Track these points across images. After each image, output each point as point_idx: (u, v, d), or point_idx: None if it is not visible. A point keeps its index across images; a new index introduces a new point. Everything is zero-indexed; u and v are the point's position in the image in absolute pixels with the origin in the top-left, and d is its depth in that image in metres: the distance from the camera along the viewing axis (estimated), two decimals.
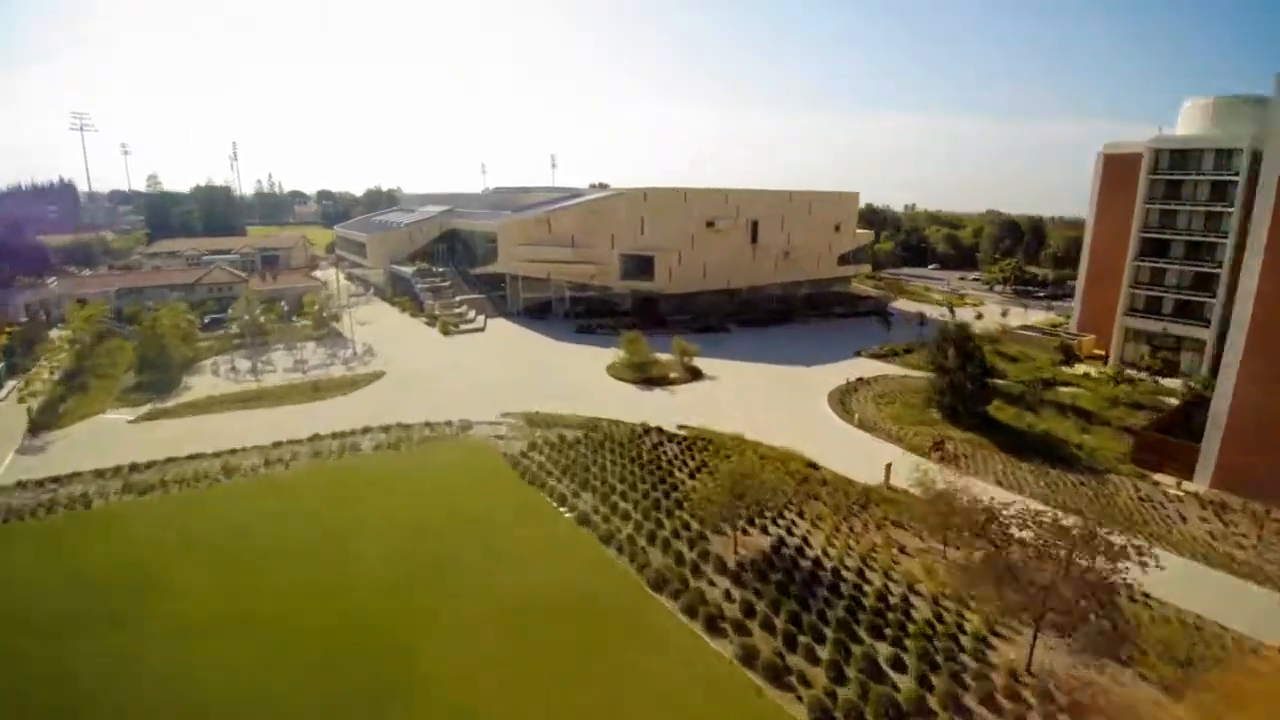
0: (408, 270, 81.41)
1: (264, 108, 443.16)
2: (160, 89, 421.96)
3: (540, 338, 65.22)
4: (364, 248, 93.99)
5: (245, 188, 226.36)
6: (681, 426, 41.06)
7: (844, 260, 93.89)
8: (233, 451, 35.05)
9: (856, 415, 45.60)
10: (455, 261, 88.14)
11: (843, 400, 48.91)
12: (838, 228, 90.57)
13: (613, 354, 55.22)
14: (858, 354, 61.82)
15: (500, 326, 69.55)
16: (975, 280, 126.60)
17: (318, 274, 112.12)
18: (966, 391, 45.43)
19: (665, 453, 36.41)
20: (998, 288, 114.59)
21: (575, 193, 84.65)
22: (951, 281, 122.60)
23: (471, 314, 71.25)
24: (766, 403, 47.61)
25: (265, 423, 40.20)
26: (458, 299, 75.08)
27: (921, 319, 77.73)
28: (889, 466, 35.95)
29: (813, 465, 36.29)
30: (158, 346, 50.27)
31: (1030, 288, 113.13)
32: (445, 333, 65.77)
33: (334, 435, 37.51)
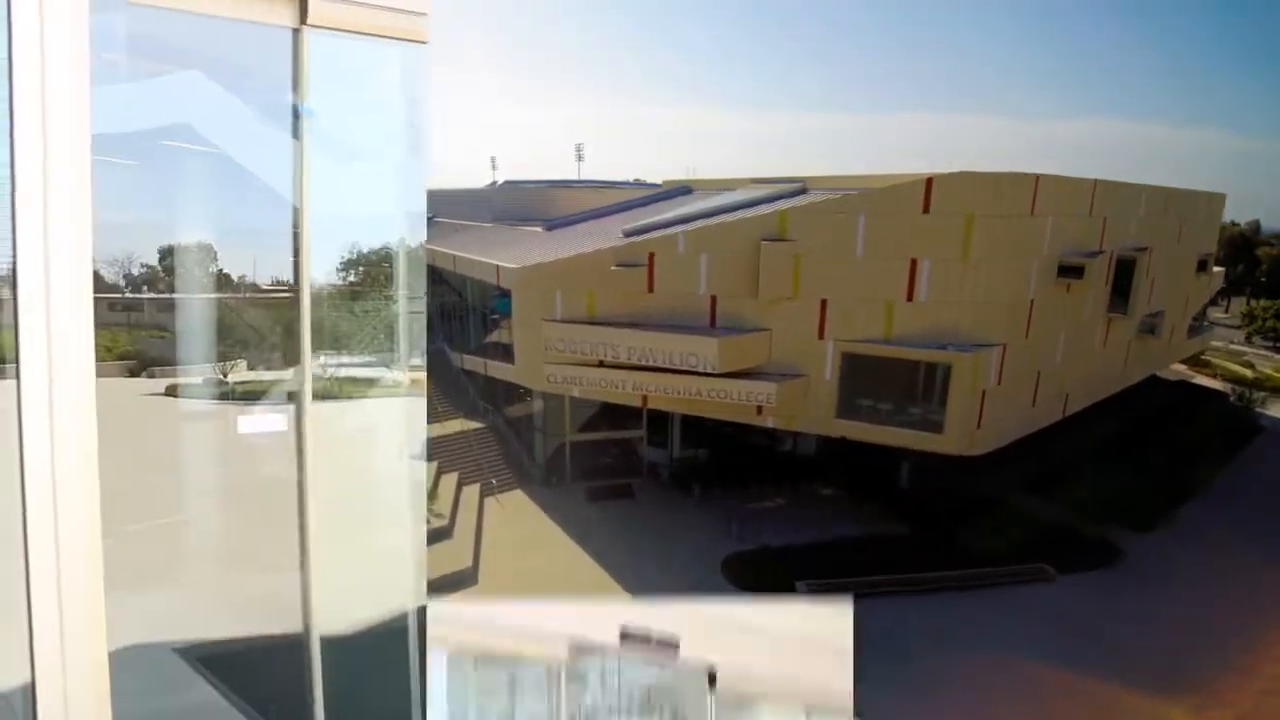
0: None
1: None
2: None
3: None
4: None
5: None
6: None
7: (1196, 323, 48.08)
8: None
9: None
10: (430, 329, 43.93)
11: None
12: (1203, 264, 44.52)
13: None
14: None
15: (518, 549, 24.70)
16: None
17: None
18: None
19: None
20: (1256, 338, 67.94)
21: (657, 192, 38.52)
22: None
23: (434, 516, 26.71)
24: None
25: None
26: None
27: None
28: None
29: None
30: None
31: None
32: None
33: None
